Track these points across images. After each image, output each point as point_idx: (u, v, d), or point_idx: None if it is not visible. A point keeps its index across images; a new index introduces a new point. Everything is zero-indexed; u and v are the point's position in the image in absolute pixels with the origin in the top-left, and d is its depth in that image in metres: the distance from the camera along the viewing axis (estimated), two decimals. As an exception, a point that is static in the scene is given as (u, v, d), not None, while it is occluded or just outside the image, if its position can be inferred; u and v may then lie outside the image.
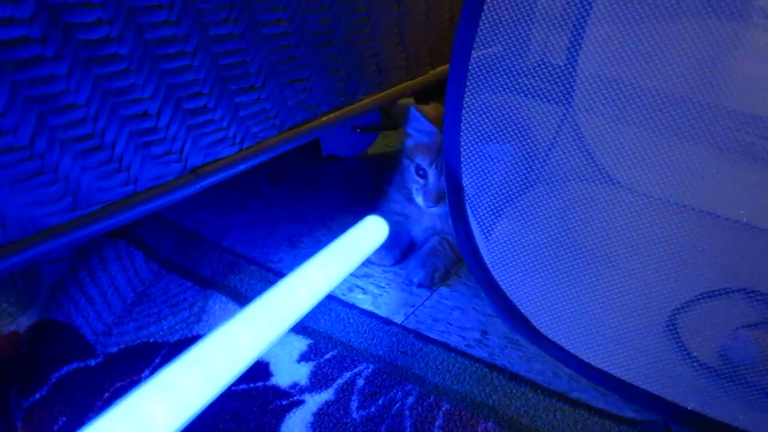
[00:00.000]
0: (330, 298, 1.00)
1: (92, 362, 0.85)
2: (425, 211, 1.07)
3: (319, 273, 0.87)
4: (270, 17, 0.82)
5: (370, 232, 1.00)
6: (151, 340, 0.90)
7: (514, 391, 0.86)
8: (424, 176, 1.03)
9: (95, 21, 0.65)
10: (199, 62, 0.76)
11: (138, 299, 0.96)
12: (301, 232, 1.15)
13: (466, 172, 0.85)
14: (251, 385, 0.84)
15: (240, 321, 0.75)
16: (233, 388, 0.83)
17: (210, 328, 0.92)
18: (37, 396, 0.80)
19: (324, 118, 0.99)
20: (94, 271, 0.99)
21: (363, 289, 1.03)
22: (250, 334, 0.74)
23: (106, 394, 0.81)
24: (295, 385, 0.85)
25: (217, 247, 1.09)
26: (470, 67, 0.80)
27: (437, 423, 0.81)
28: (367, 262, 1.09)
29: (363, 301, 1.00)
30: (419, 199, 1.05)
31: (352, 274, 1.06)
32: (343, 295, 1.01)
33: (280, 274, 1.04)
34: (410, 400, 0.84)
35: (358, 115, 1.06)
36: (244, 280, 1.01)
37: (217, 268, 1.04)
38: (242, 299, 0.97)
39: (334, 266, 0.90)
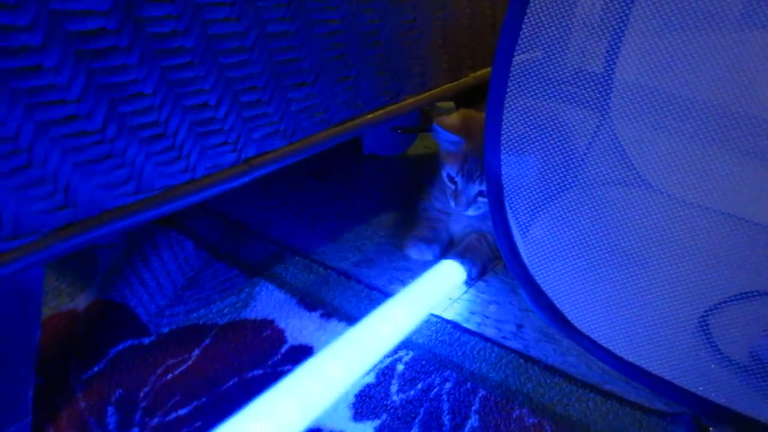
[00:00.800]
0: (372, 288, 1.04)
1: (146, 340, 0.90)
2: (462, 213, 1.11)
3: (401, 312, 0.96)
4: (323, 17, 0.86)
5: (448, 275, 1.07)
6: (201, 322, 0.94)
7: (548, 380, 0.89)
8: (454, 182, 1.08)
9: (164, 16, 0.70)
10: (256, 57, 0.80)
11: (188, 284, 1.01)
12: (343, 227, 1.19)
13: (506, 172, 0.89)
14: (296, 366, 0.88)
15: (329, 354, 0.87)
16: (279, 368, 0.87)
17: (257, 313, 0.96)
18: (95, 369, 0.85)
19: (369, 116, 1.03)
20: (147, 257, 1.04)
21: (402, 281, 1.07)
22: (338, 366, 0.86)
23: (159, 370, 0.86)
24: (337, 368, 0.88)
25: (262, 238, 1.13)
26: (512, 70, 0.83)
27: (474, 407, 0.84)
28: (408, 258, 1.12)
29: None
30: (452, 203, 1.10)
31: (393, 268, 1.09)
32: (384, 287, 1.05)
33: (323, 265, 1.08)
34: (448, 385, 0.87)
35: (400, 114, 1.10)
36: (289, 270, 1.06)
37: (263, 257, 1.08)
38: (287, 288, 1.02)
39: (414, 306, 0.99)
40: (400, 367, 0.89)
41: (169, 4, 0.69)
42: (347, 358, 0.88)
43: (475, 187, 1.07)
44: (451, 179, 1.08)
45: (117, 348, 0.88)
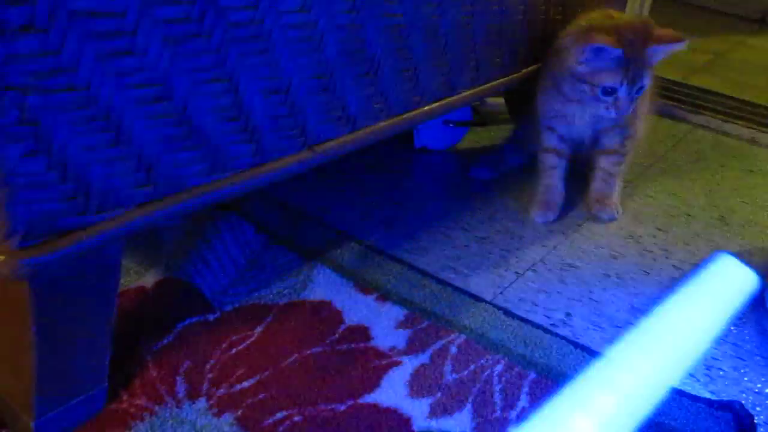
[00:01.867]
0: (425, 274, 1.07)
1: (211, 317, 0.94)
2: (584, 114, 1.19)
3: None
4: (386, 10, 0.90)
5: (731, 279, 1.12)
6: (262, 302, 0.98)
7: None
8: (613, 92, 1.11)
9: (242, 6, 0.74)
10: (325, 45, 0.84)
11: (249, 266, 1.05)
12: (397, 216, 1.23)
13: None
14: (353, 345, 0.92)
15: None
16: (336, 347, 0.91)
17: (315, 294, 1.00)
18: (165, 342, 0.89)
19: (426, 108, 1.06)
20: (209, 238, 1.08)
21: (454, 269, 1.10)
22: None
23: (224, 345, 0.90)
24: (393, 348, 0.92)
25: (319, 224, 1.17)
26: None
27: (524, 390, 0.87)
28: (457, 246, 1.15)
29: (454, 279, 1.07)
30: (611, 114, 1.14)
31: (445, 257, 1.13)
32: (436, 273, 1.08)
33: (377, 251, 1.11)
34: (499, 367, 0.90)
35: (454, 107, 1.14)
36: (345, 255, 1.10)
37: (320, 242, 1.12)
38: (344, 271, 1.06)
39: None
40: (453, 349, 0.93)
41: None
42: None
43: (637, 87, 1.11)
44: (609, 92, 1.11)
45: (184, 323, 0.93)
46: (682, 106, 1.82)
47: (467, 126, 1.47)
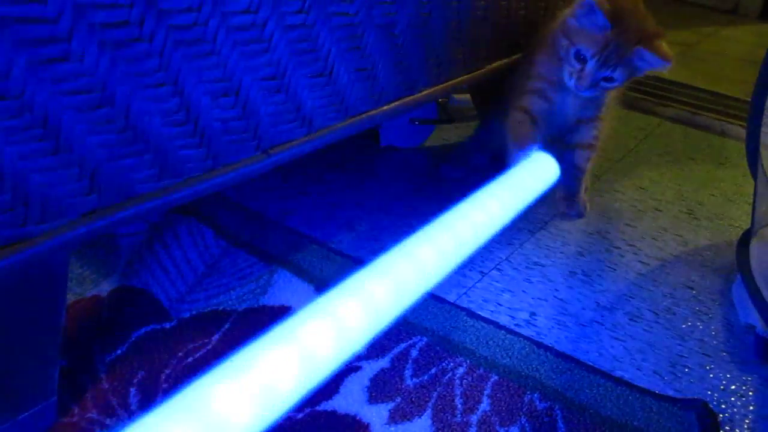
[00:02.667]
0: (386, 276, 1.05)
1: (167, 325, 0.92)
2: (569, 92, 1.14)
3: (494, 202, 0.92)
4: (338, 9, 0.88)
5: (542, 171, 1.05)
6: (221, 308, 0.96)
7: (559, 366, 0.91)
8: (583, 61, 1.08)
9: (186, 8, 0.72)
10: (275, 46, 0.83)
11: (208, 271, 1.03)
12: (360, 217, 1.21)
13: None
14: (312, 351, 0.90)
15: (422, 238, 0.80)
16: (296, 353, 0.89)
17: (275, 300, 0.98)
18: (119, 352, 0.87)
19: (386, 107, 1.04)
20: (168, 244, 1.06)
21: (418, 269, 1.09)
22: (433, 250, 0.78)
23: (180, 353, 0.88)
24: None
25: (280, 227, 1.15)
26: None
27: (486, 392, 0.86)
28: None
29: (417, 280, 1.06)
30: (570, 82, 1.11)
31: (407, 256, 1.11)
32: (399, 274, 1.07)
33: (340, 254, 1.10)
34: (461, 370, 0.89)
35: (416, 105, 1.12)
36: (306, 258, 1.08)
37: (281, 245, 1.10)
38: (305, 275, 1.04)
39: (508, 198, 0.95)
40: (414, 353, 0.91)
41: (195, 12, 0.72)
42: (441, 242, 0.81)
43: (605, 73, 1.08)
44: (581, 58, 1.09)
45: (139, 332, 0.91)
46: (652, 99, 1.81)
47: (433, 124, 1.46)
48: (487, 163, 1.38)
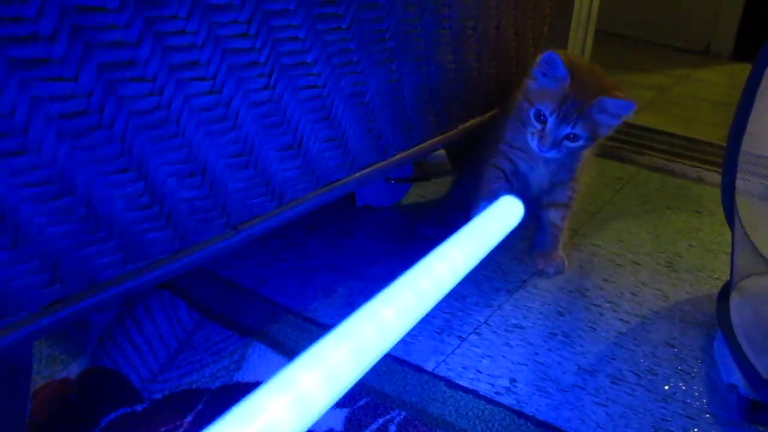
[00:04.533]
0: (364, 346, 1.03)
1: (139, 407, 0.90)
2: (538, 157, 1.14)
3: (458, 253, 0.93)
4: (305, 82, 0.87)
5: (505, 213, 1.06)
6: (194, 386, 0.94)
7: (541, 437, 0.89)
8: (544, 122, 1.08)
9: (147, 93, 0.71)
10: (242, 123, 0.82)
11: (181, 347, 1.01)
12: (336, 282, 1.20)
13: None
14: (288, 430, 0.88)
15: (383, 298, 0.82)
16: None
17: (249, 375, 0.96)
18: (87, 439, 0.85)
19: (358, 174, 1.04)
20: (140, 320, 1.04)
21: (395, 337, 1.07)
22: (394, 309, 0.80)
23: (152, 439, 0.86)
24: (330, 431, 0.88)
25: (255, 297, 1.13)
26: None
27: (466, 468, 0.84)
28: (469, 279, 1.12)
29: (395, 349, 1.04)
30: (533, 143, 1.10)
31: (385, 323, 1.09)
32: (376, 343, 1.05)
33: (315, 323, 1.08)
34: (440, 446, 0.87)
35: (389, 170, 1.11)
36: (281, 329, 1.06)
37: (256, 317, 1.08)
38: (280, 348, 1.02)
39: (471, 247, 0.96)
40: (393, 428, 0.89)
41: (151, 82, 0.71)
42: (403, 301, 0.83)
43: (566, 130, 1.08)
44: (541, 118, 1.08)
45: (109, 417, 0.88)
46: (628, 147, 1.82)
47: (409, 182, 1.45)
48: (463, 220, 1.37)
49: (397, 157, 1.11)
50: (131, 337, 1.01)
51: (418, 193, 1.54)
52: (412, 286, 0.84)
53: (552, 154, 1.11)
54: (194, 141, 0.78)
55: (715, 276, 1.30)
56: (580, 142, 1.09)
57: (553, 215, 1.24)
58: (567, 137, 1.08)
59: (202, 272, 1.18)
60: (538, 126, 1.09)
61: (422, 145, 1.16)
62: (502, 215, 1.07)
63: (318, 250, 1.29)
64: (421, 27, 1.01)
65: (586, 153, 1.18)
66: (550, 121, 1.08)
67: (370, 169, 1.06)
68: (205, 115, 0.77)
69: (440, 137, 1.20)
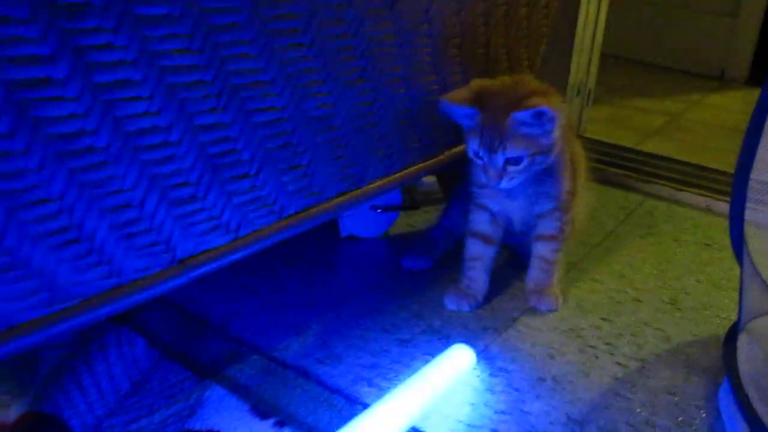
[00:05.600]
0: (333, 391, 0.95)
1: (76, 459, 0.82)
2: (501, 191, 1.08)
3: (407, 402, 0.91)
4: (261, 105, 0.80)
5: (456, 361, 1.01)
6: (141, 435, 0.86)
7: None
8: (480, 157, 1.03)
9: (68, 115, 0.64)
10: (185, 151, 0.74)
11: (133, 389, 0.93)
12: (310, 319, 1.11)
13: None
14: (238, 487, 0.80)
15: None
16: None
17: (203, 423, 0.88)
18: (14, 496, 0.77)
19: (328, 204, 0.96)
20: (92, 358, 0.96)
21: (368, 381, 0.98)
22: None
23: (86, 495, 0.77)
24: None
25: (221, 335, 1.06)
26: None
27: None
28: (376, 354, 1.04)
29: (367, 394, 0.96)
30: (486, 180, 1.05)
31: (360, 365, 1.01)
32: (347, 388, 0.96)
33: (282, 364, 1.00)
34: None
35: (367, 198, 1.04)
36: (244, 371, 0.98)
37: (220, 356, 1.01)
38: (241, 391, 0.94)
39: (420, 396, 0.93)
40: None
41: (73, 102, 0.63)
42: None
43: (500, 157, 1.01)
44: (477, 154, 1.03)
45: (42, 469, 0.80)
46: (634, 175, 1.73)
47: (397, 210, 1.37)
48: (453, 252, 1.29)
49: (374, 185, 1.03)
50: (79, 377, 0.94)
51: (409, 223, 1.46)
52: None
53: (507, 185, 1.04)
54: (129, 171, 0.70)
55: (723, 315, 1.21)
56: (524, 163, 1.01)
57: (543, 248, 1.15)
58: (508, 163, 1.01)
59: (168, 306, 1.11)
60: (480, 162, 1.04)
61: (403, 172, 1.08)
62: (453, 363, 1.02)
63: (295, 284, 1.21)
64: (396, 46, 0.94)
65: (568, 177, 1.10)
66: (482, 154, 1.02)
67: (343, 198, 0.98)
68: (140, 142, 0.70)
69: (424, 164, 1.12)
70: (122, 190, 0.70)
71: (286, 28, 0.78)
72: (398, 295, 1.20)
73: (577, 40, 1.68)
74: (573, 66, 1.70)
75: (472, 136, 1.03)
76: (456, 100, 1.01)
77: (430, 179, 1.48)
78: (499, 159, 1.01)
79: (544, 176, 1.07)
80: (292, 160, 0.87)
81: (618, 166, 1.75)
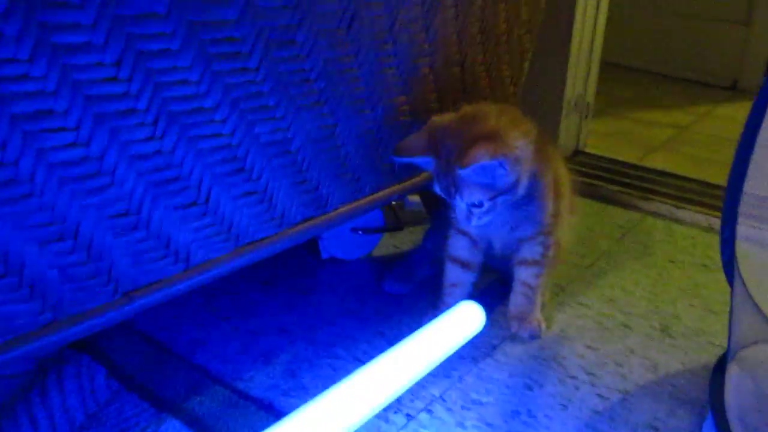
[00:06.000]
0: None
1: (16, 498, 0.79)
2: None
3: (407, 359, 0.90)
4: (205, 131, 0.76)
5: (464, 320, 1.00)
6: (88, 472, 0.83)
7: None
8: (445, 198, 1.00)
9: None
10: (122, 178, 0.71)
11: (88, 422, 0.90)
12: (281, 347, 1.08)
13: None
14: None
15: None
16: None
17: (153, 459, 0.85)
18: None
19: (290, 230, 0.93)
20: (48, 390, 0.94)
21: (333, 414, 0.94)
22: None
23: None
24: None
25: (185, 364, 1.02)
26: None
27: None
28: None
29: (330, 428, 0.92)
30: (455, 216, 1.02)
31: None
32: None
33: (245, 396, 0.96)
34: None
35: (336, 223, 1.00)
36: (204, 403, 0.95)
37: (180, 388, 0.97)
38: (198, 426, 0.90)
39: (422, 353, 0.92)
40: None
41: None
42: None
43: (459, 200, 0.96)
44: (445, 193, 0.99)
45: None
46: (633, 192, 1.67)
47: (378, 232, 1.33)
48: (435, 275, 1.24)
49: (342, 210, 0.99)
50: (32, 410, 0.91)
51: (394, 243, 1.42)
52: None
53: (477, 223, 0.99)
54: (60, 201, 0.67)
55: (716, 342, 1.15)
56: (487, 206, 0.96)
57: (524, 273, 1.11)
58: (472, 205, 0.96)
59: (132, 333, 1.08)
60: (448, 201, 1.00)
61: (374, 196, 1.04)
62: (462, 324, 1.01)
63: (268, 309, 1.18)
64: (357, 66, 0.90)
65: (550, 200, 1.05)
66: (444, 196, 0.99)
67: (306, 224, 0.95)
68: (70, 171, 0.67)
69: (397, 187, 1.08)
70: (55, 221, 0.68)
71: (228, 52, 0.74)
72: (374, 321, 1.16)
73: (572, 51, 1.63)
74: (569, 78, 1.65)
75: (433, 178, 0.99)
76: (405, 153, 0.96)
77: (415, 198, 1.44)
78: (460, 203, 0.97)
79: (524, 202, 1.02)
80: (246, 186, 0.84)
81: (617, 182, 1.70)
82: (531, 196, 1.01)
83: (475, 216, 0.97)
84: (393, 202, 1.37)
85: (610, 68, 1.83)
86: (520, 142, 0.93)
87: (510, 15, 1.13)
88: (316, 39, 0.82)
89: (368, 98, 0.95)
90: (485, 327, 1.15)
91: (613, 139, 2.01)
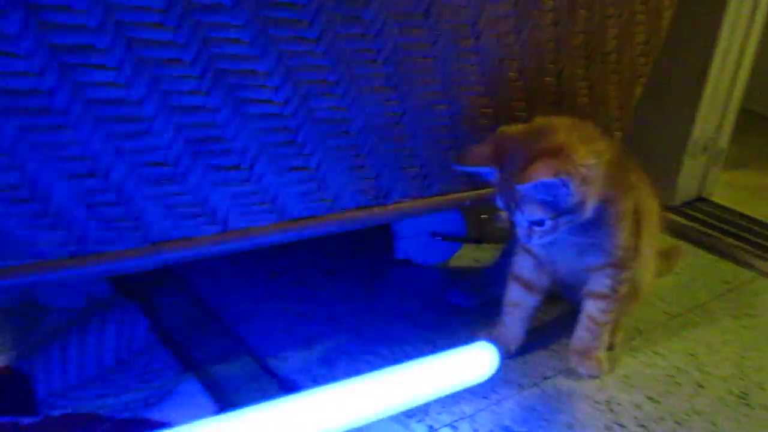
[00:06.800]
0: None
1: (26, 421, 0.82)
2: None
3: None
4: (255, 95, 0.76)
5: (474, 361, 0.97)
6: (100, 411, 0.85)
7: None
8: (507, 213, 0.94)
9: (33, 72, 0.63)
10: (160, 129, 0.72)
11: (116, 367, 0.93)
12: (325, 334, 1.06)
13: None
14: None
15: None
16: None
17: (162, 414, 0.85)
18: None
19: (343, 215, 0.91)
20: (88, 330, 0.96)
21: None
22: None
23: (20, 459, 0.77)
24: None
25: (225, 331, 1.03)
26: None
27: None
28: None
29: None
30: (519, 236, 0.95)
31: None
32: None
33: (272, 374, 0.95)
34: None
35: (395, 217, 0.97)
36: (229, 371, 0.95)
37: (213, 352, 0.98)
38: (216, 391, 0.90)
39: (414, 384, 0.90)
40: None
41: (24, 60, 0.62)
42: None
43: (518, 216, 0.91)
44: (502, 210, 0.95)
45: (-10, 423, 0.80)
46: (749, 248, 1.54)
47: (458, 241, 1.29)
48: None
49: (403, 205, 0.96)
50: (66, 345, 0.94)
51: (475, 257, 1.37)
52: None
53: (538, 242, 0.92)
54: (92, 137, 0.69)
55: (801, 424, 1.03)
56: (548, 225, 0.89)
57: (592, 307, 1.03)
58: (533, 223, 0.89)
59: (185, 294, 1.09)
60: (510, 218, 0.94)
61: (444, 197, 1.01)
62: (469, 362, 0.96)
63: (327, 298, 1.16)
64: (432, 56, 0.87)
65: (625, 231, 0.97)
66: (505, 211, 0.93)
67: (360, 212, 0.92)
68: (107, 110, 0.68)
69: (473, 192, 1.04)
70: (86, 157, 0.69)
71: (286, 17, 0.73)
72: (429, 328, 1.13)
73: (707, 92, 1.52)
74: (699, 120, 1.54)
75: (497, 194, 0.93)
76: (466, 161, 0.91)
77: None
78: (521, 219, 0.91)
79: (592, 227, 0.95)
80: (295, 160, 0.83)
81: (733, 235, 1.56)
82: (600, 222, 0.94)
83: (536, 234, 0.91)
84: (484, 215, 1.32)
85: (750, 117, 1.68)
86: (589, 162, 0.87)
87: (621, 33, 1.06)
88: (386, 20, 0.80)
89: (444, 92, 0.91)
90: (540, 357, 1.09)
91: (745, 192, 1.85)
